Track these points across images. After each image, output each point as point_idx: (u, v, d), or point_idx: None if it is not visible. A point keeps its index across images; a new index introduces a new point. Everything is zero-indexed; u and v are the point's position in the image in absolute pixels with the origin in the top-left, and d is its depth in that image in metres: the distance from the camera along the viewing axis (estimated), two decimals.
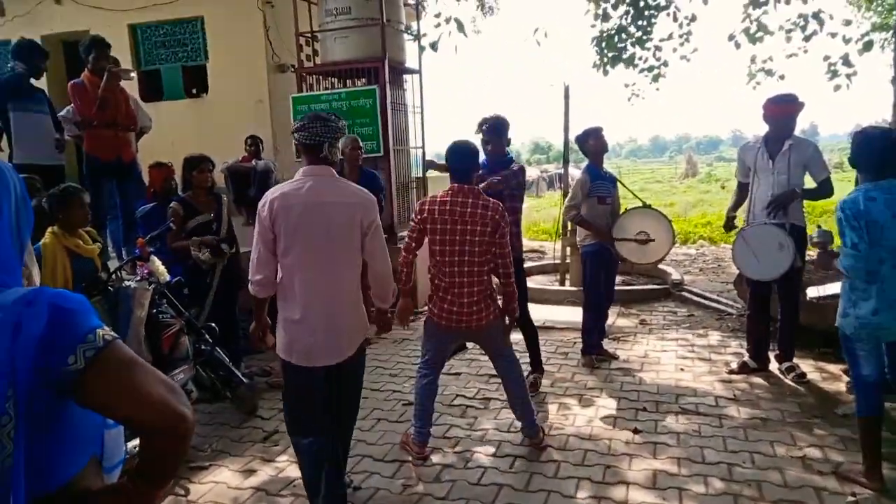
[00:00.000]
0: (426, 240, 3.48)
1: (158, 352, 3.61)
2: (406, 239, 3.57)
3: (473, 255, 3.36)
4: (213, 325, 4.20)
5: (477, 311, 3.43)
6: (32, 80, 5.27)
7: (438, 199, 3.40)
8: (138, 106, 5.70)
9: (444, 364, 3.80)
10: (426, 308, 3.63)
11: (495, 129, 4.29)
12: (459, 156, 3.46)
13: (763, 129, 4.50)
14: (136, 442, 1.11)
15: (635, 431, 3.79)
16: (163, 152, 5.80)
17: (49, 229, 3.55)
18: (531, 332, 4.49)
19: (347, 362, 2.87)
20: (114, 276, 3.84)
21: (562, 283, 7.72)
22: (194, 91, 8.57)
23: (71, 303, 1.04)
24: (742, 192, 4.71)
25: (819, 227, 3.26)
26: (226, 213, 4.72)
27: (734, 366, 4.77)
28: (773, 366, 4.69)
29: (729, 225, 4.81)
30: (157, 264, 3.95)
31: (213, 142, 7.47)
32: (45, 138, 5.22)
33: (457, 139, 3.59)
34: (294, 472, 3.45)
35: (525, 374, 4.08)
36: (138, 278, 3.79)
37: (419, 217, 3.43)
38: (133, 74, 5.77)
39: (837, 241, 3.08)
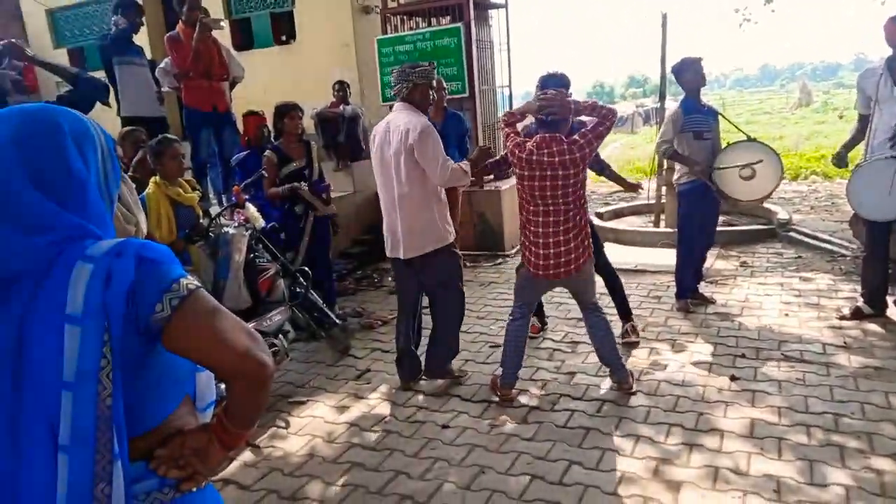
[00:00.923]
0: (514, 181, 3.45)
1: (256, 295, 3.80)
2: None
3: (559, 200, 3.28)
4: (307, 268, 4.35)
5: (569, 260, 3.36)
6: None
7: (526, 149, 3.29)
8: (230, 56, 5.85)
9: (534, 307, 3.77)
10: (515, 250, 3.58)
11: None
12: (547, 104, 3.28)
13: (888, 52, 4.02)
14: (224, 386, 1.16)
15: (732, 378, 3.63)
16: (255, 101, 5.97)
17: (152, 179, 3.76)
18: (612, 279, 4.29)
19: (421, 260, 3.57)
20: (214, 222, 4.05)
21: (656, 224, 7.41)
22: (283, 38, 8.69)
23: (156, 253, 1.08)
24: (862, 126, 4.26)
25: None
26: (316, 160, 4.82)
27: (846, 311, 4.43)
28: (892, 311, 4.32)
29: (840, 161, 4.39)
30: (252, 210, 4.11)
31: (302, 88, 7.60)
32: (147, 91, 5.49)
33: (547, 85, 3.40)
34: (384, 408, 3.59)
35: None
36: (236, 224, 3.96)
37: (514, 159, 3.36)
38: (224, 24, 5.90)
39: None
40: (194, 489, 1.16)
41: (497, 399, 3.58)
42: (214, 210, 4.88)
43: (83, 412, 1.00)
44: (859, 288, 4.58)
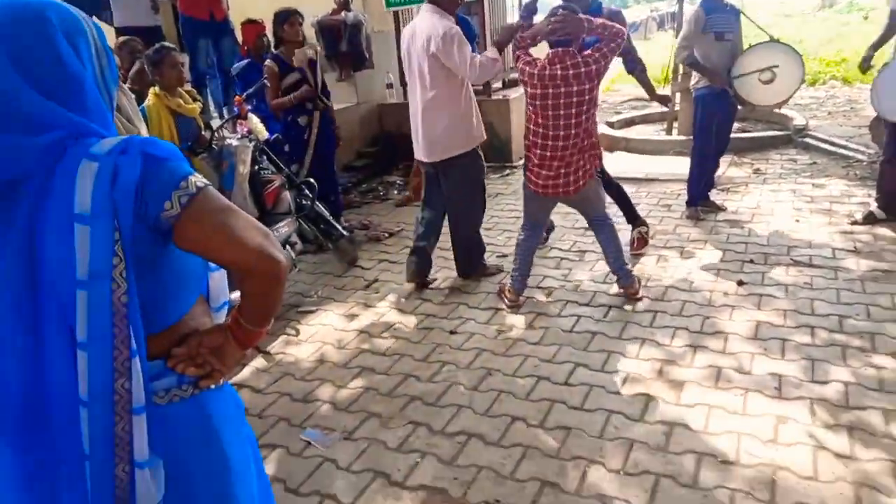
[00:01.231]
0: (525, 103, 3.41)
1: (262, 207, 3.79)
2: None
3: (571, 118, 3.24)
4: (312, 180, 4.31)
5: (567, 181, 3.36)
6: None
7: (538, 66, 3.23)
8: None
9: (546, 222, 3.81)
10: (522, 161, 3.53)
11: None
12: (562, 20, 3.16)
13: None
14: (237, 294, 1.16)
15: (739, 283, 3.64)
16: (253, 9, 5.72)
17: (151, 90, 3.67)
18: (613, 185, 4.21)
19: (441, 165, 3.71)
20: (216, 134, 3.98)
21: (668, 131, 7.23)
22: None
23: (162, 150, 1.05)
24: (892, 25, 4.05)
25: None
26: (319, 69, 4.68)
27: (858, 216, 4.38)
28: None
29: (866, 65, 4.21)
30: (256, 122, 4.03)
31: None
32: (140, 0, 5.27)
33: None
34: (393, 316, 3.65)
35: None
36: (239, 136, 3.90)
37: (525, 77, 3.31)
38: None
39: None
40: (212, 386, 1.18)
41: (505, 306, 3.62)
42: (216, 123, 4.79)
43: (99, 310, 1.00)
44: (873, 193, 4.50)
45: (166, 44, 3.80)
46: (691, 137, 4.87)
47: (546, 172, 3.37)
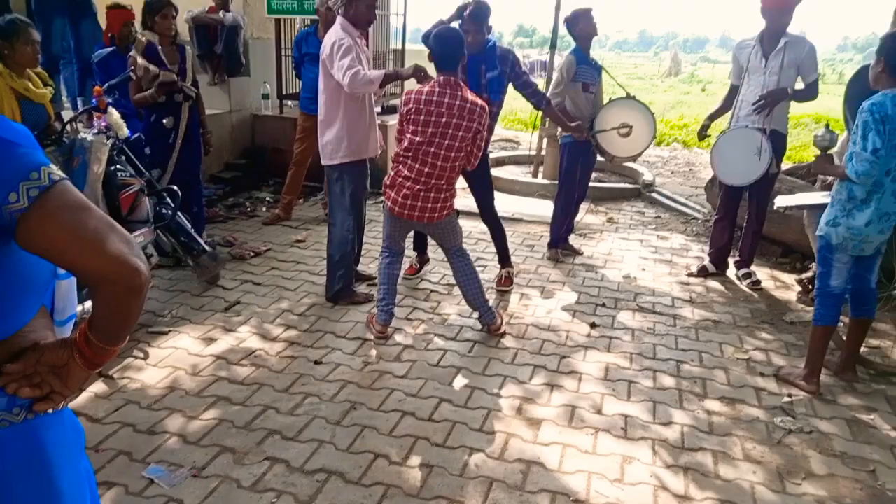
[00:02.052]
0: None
1: (116, 212, 3.47)
2: (396, 135, 3.57)
3: (450, 150, 3.33)
4: (175, 188, 4.03)
5: (433, 207, 3.42)
6: None
7: (425, 92, 3.32)
8: None
9: (404, 248, 3.81)
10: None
11: (477, 17, 3.94)
12: (445, 42, 3.33)
13: (756, 30, 4.35)
14: (89, 304, 1.03)
15: (592, 326, 3.90)
16: None
17: None
18: (498, 228, 4.41)
19: (328, 171, 3.92)
20: (68, 126, 3.60)
21: (535, 174, 7.64)
22: None
23: (11, 134, 0.92)
24: (730, 98, 4.59)
25: (827, 125, 3.20)
26: (190, 68, 4.41)
27: (694, 269, 4.88)
28: (731, 272, 4.81)
29: (703, 133, 4.73)
30: (116, 116, 3.69)
31: None
32: None
33: (441, 26, 3.54)
34: (254, 342, 3.48)
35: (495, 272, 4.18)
36: (95, 131, 3.56)
37: (404, 109, 3.38)
38: None
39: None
40: (49, 411, 1.04)
41: (373, 336, 3.58)
42: (68, 114, 4.35)
43: None
44: (707, 248, 5.04)
45: (20, 17, 3.40)
46: (555, 182, 5.17)
47: (406, 192, 3.39)
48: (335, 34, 3.63)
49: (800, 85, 4.33)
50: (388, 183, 3.50)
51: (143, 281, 0.99)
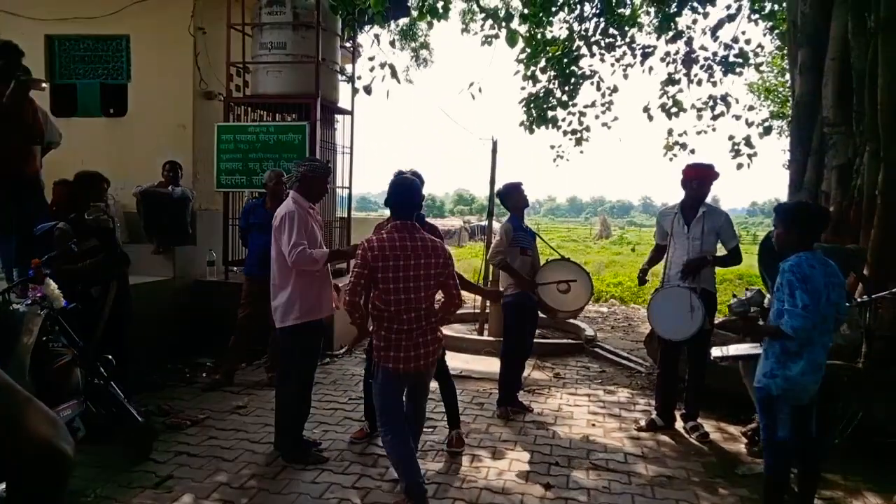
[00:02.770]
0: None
1: (45, 384, 3.28)
2: (351, 283, 3.29)
3: (430, 289, 3.26)
4: (111, 356, 3.88)
5: (434, 349, 3.35)
6: None
7: (385, 237, 3.21)
8: (48, 119, 5.34)
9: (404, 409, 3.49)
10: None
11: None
12: (405, 190, 3.33)
13: (673, 198, 4.81)
14: (3, 487, 0.96)
15: (547, 487, 3.77)
16: (72, 170, 5.43)
17: None
18: (449, 384, 4.37)
19: (280, 333, 4.01)
20: (1, 298, 3.51)
21: (480, 332, 7.74)
22: (112, 111, 8.16)
23: None
24: (658, 252, 4.94)
25: (734, 294, 3.40)
26: (116, 235, 4.52)
27: (643, 423, 4.88)
28: (678, 424, 4.83)
29: (642, 279, 5.01)
30: (53, 287, 3.64)
31: (128, 164, 7.12)
32: None
33: (399, 174, 3.68)
34: None
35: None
36: (29, 302, 3.47)
37: (369, 255, 3.16)
38: (45, 85, 5.42)
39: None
40: None
41: None
42: (0, 286, 4.24)
43: None
44: (653, 402, 5.09)
45: None
46: (500, 339, 5.25)
47: (407, 344, 3.21)
48: (286, 207, 3.84)
49: (722, 251, 4.71)
50: (382, 345, 3.24)
51: (69, 467, 0.95)
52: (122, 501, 3.37)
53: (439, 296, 3.42)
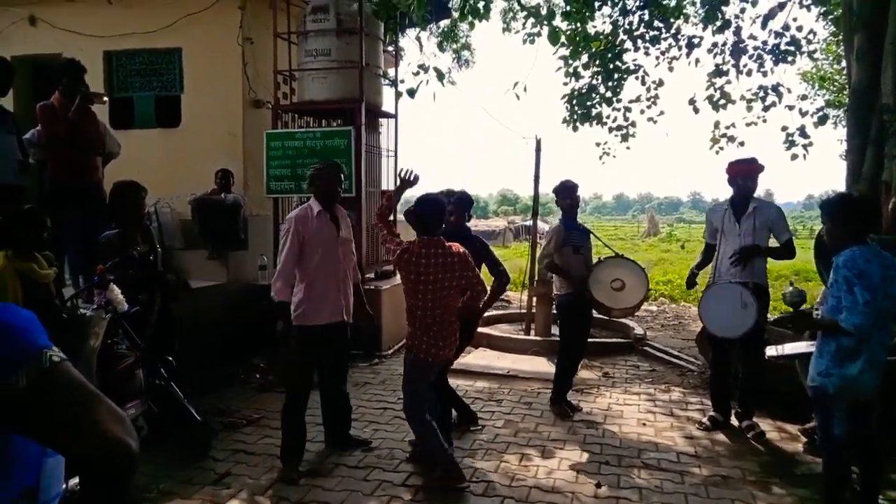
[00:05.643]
0: (401, 282, 3.78)
1: (110, 384, 3.45)
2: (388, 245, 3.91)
3: (451, 289, 3.64)
4: (171, 358, 4.04)
5: (455, 340, 3.78)
6: None
7: (413, 252, 3.59)
8: (107, 131, 5.60)
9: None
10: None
11: (461, 204, 4.55)
12: (429, 207, 3.66)
13: (723, 193, 4.70)
14: (77, 480, 1.02)
15: (598, 485, 3.74)
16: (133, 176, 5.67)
17: (1, 252, 3.41)
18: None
19: None
20: (69, 303, 3.70)
21: (527, 332, 7.71)
22: (166, 121, 8.48)
23: (18, 319, 0.97)
24: (708, 252, 4.83)
25: (792, 283, 3.32)
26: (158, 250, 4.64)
27: (705, 421, 4.77)
28: (734, 421, 4.71)
29: (691, 282, 4.91)
30: (117, 292, 3.80)
31: (182, 172, 7.37)
32: (8, 157, 5.06)
33: (427, 193, 3.85)
34: None
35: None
36: (94, 306, 3.65)
37: (406, 254, 3.61)
38: (105, 99, 5.69)
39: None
40: None
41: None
42: (69, 291, 4.47)
43: None
44: (706, 400, 4.98)
45: (34, 207, 3.64)
46: (548, 338, 5.23)
47: (445, 332, 3.66)
48: (295, 212, 4.01)
49: (775, 244, 4.58)
50: (415, 343, 3.66)
51: (134, 463, 0.99)
52: (183, 497, 3.51)
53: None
